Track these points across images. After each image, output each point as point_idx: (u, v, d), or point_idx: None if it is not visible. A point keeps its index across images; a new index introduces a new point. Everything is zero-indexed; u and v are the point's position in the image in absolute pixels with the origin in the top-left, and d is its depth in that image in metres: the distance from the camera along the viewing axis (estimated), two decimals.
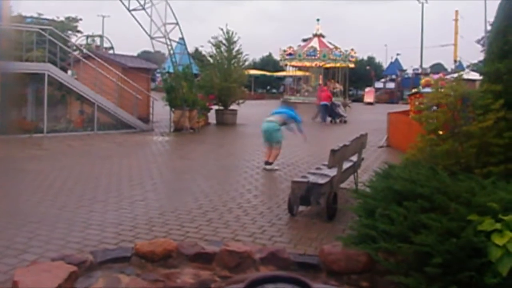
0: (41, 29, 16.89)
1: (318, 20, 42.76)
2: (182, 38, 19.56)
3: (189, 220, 6.54)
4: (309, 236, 6.05)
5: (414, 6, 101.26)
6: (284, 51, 40.59)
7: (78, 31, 24.72)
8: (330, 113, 22.97)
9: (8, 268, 4.75)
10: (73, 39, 23.29)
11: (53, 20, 22.57)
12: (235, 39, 21.76)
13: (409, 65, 54.76)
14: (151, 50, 19.33)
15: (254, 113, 23.93)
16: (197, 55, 25.35)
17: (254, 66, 50.19)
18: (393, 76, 51.33)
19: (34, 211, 6.72)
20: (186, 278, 4.58)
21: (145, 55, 33.95)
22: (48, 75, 15.61)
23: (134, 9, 17.58)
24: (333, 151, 6.82)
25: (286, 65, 43.26)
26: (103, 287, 4.29)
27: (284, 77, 49.35)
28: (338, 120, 23.01)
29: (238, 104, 21.62)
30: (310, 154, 12.57)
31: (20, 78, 16.25)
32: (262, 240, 5.84)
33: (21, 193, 7.88)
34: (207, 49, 24.81)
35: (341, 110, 23.51)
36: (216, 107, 21.18)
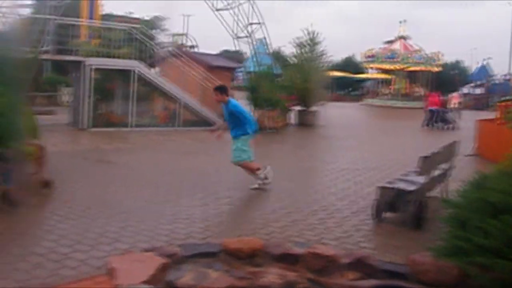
0: (131, 27, 17.61)
1: (402, 22, 41.63)
2: (264, 38, 19.67)
3: (273, 219, 6.53)
4: (395, 244, 5.85)
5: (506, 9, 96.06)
6: (365, 53, 39.87)
7: (165, 30, 25.53)
8: (439, 119, 22.17)
9: (103, 255, 4.94)
10: (160, 37, 24.07)
11: (141, 19, 23.44)
12: (318, 39, 21.61)
13: (498, 70, 52.07)
14: (231, 49, 19.58)
15: (335, 114, 23.72)
16: (278, 56, 25.43)
17: (335, 67, 49.70)
18: (480, 82, 48.97)
19: (123, 202, 6.98)
20: (272, 278, 4.55)
21: (225, 54, 34.55)
22: (136, 72, 16.20)
23: (220, 9, 17.93)
24: (423, 158, 6.57)
25: (367, 67, 42.51)
26: (191, 280, 4.35)
27: (365, 79, 48.48)
28: (446, 127, 21.96)
29: (319, 105, 21.46)
30: (392, 159, 12.23)
31: (110, 74, 17.11)
32: (347, 245, 5.72)
33: (109, 184, 8.21)
34: (288, 50, 24.86)
35: (450, 116, 22.61)
36: (297, 108, 21.12)
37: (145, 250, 4.75)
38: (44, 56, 16.05)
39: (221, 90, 8.18)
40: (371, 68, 42.97)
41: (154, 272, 4.19)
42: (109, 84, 17.49)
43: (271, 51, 19.95)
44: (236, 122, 8.15)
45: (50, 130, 13.69)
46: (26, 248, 5.06)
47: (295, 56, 22.06)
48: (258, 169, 8.33)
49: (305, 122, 20.67)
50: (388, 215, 6.88)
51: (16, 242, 5.25)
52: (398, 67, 38.62)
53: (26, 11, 18.73)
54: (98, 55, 16.59)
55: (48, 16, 15.52)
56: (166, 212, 6.65)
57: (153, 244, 5.25)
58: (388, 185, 6.92)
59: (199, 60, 19.80)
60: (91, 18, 21.04)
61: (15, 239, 5.36)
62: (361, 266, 4.58)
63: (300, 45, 21.60)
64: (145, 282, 3.98)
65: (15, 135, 6.92)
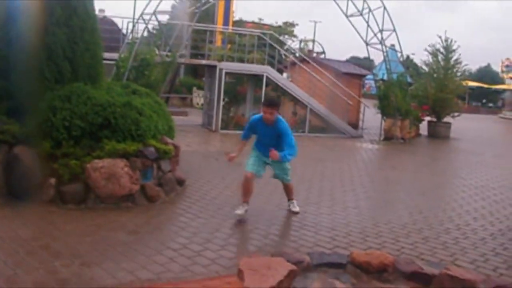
0: (262, 33, 18.01)
1: None
2: (394, 45, 19.05)
3: (403, 235, 6.23)
4: None
5: None
6: (503, 61, 37.06)
7: (294, 36, 25.77)
8: None
9: (232, 255, 5.03)
10: (289, 43, 24.34)
11: (271, 26, 23.88)
12: (454, 47, 20.47)
13: None
14: (360, 56, 19.22)
15: (469, 127, 22.32)
16: (408, 63, 24.49)
17: (470, 77, 46.89)
18: None
19: (253, 205, 7.05)
20: None
21: (353, 61, 34.05)
22: (266, 77, 16.50)
23: (351, 15, 17.68)
24: None
25: (505, 77, 39.47)
26: None
27: (503, 90, 45.11)
28: None
29: (453, 117, 20.30)
30: None
31: (241, 78, 17.63)
32: (484, 270, 5.28)
33: (239, 187, 8.36)
34: (420, 57, 23.85)
35: None
36: (428, 118, 20.17)
37: (274, 255, 4.76)
38: (180, 60, 16.94)
39: (275, 106, 6.50)
40: (511, 78, 39.78)
41: (282, 278, 4.17)
42: (240, 88, 18.03)
43: (402, 58, 19.26)
44: (276, 145, 6.36)
45: (184, 130, 14.39)
46: (162, 243, 5.30)
47: (427, 64, 21.11)
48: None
49: (437, 134, 19.64)
50: None
51: (153, 236, 5.54)
52: None
53: (165, 18, 19.94)
54: (230, 59, 17.17)
55: (185, 22, 16.37)
56: (294, 218, 6.65)
57: (280, 249, 5.24)
58: None
59: (328, 66, 19.68)
60: (225, 24, 21.93)
61: (151, 233, 5.66)
62: None
63: (433, 53, 20.63)
64: None
65: (154, 134, 7.35)
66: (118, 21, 19.12)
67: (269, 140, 6.47)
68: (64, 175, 6.31)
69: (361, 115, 19.36)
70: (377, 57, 18.61)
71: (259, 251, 5.20)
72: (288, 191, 7.12)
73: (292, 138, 6.59)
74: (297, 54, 20.92)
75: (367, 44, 17.75)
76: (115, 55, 14.05)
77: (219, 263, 4.82)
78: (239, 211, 6.45)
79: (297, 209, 6.98)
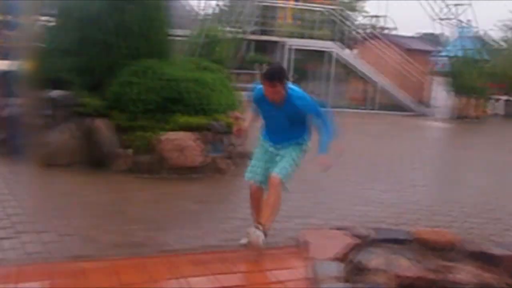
0: (331, 9, 17.78)
1: None
2: (470, 20, 18.29)
3: (473, 215, 6.11)
4: None
5: None
6: None
7: (365, 12, 25.25)
8: None
9: (296, 227, 5.15)
10: (359, 19, 23.88)
11: (340, 1, 23.48)
12: None
13: None
14: (432, 31, 18.59)
15: None
16: (484, 39, 23.30)
17: None
18: None
19: (319, 180, 7.16)
20: (466, 275, 4.29)
21: (426, 37, 32.84)
22: (335, 54, 16.34)
23: None
24: None
25: None
26: (381, 265, 4.30)
27: None
28: None
29: None
30: None
31: (308, 55, 17.56)
32: None
33: (304, 162, 8.46)
34: (496, 33, 22.73)
35: None
36: (505, 97, 19.30)
37: (338, 228, 4.84)
38: (249, 37, 17.06)
39: (277, 78, 4.07)
40: None
41: (345, 250, 4.26)
42: (307, 65, 17.97)
43: (477, 34, 18.48)
44: (293, 131, 4.43)
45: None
46: (229, 212, 5.53)
47: (505, 41, 20.11)
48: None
49: None
50: None
51: (221, 206, 5.79)
52: None
53: None
54: (298, 36, 17.11)
55: None
56: (360, 194, 6.68)
57: (345, 223, 5.31)
58: None
59: (397, 42, 19.19)
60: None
61: (220, 203, 5.92)
62: None
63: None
64: (335, 259, 4.07)
65: (224, 108, 7.56)
66: None
67: (280, 124, 4.34)
68: (140, 146, 6.67)
69: (432, 93, 18.81)
70: (451, 33, 18.01)
71: (323, 224, 5.28)
72: (268, 202, 4.30)
73: (323, 113, 4.32)
74: (367, 31, 20.52)
75: (440, 19, 17.17)
76: (187, 32, 14.38)
77: (283, 235, 4.93)
78: (243, 241, 4.24)
79: (252, 240, 4.08)
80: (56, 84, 7.11)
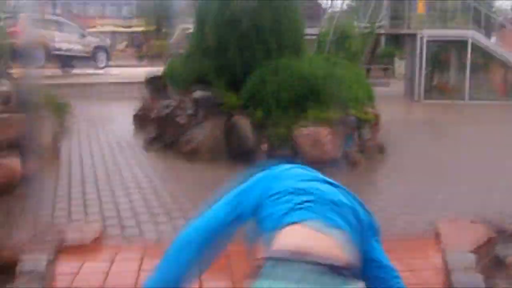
0: None
1: None
2: None
3: None
4: None
5: None
6: None
7: None
8: None
9: (430, 219, 5.13)
10: (498, 4, 22.36)
11: None
12: None
13: None
14: None
15: None
16: None
17: None
18: None
19: (453, 172, 6.99)
20: None
21: None
22: (472, 42, 15.55)
23: None
24: None
25: None
26: None
27: None
28: None
29: None
30: None
31: (443, 44, 16.88)
32: None
33: (440, 155, 8.30)
34: None
35: None
36: None
37: (474, 221, 4.75)
38: (380, 30, 16.83)
39: None
40: None
41: (481, 243, 4.20)
42: (442, 55, 17.30)
43: None
44: None
45: (385, 100, 14.36)
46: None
47: None
48: None
49: None
50: None
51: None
52: None
53: None
54: (431, 26, 16.54)
55: None
56: (499, 186, 6.40)
57: (482, 216, 5.17)
58: None
59: None
60: None
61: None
62: None
63: None
64: (471, 252, 4.03)
65: (355, 103, 7.69)
66: None
67: None
68: (274, 141, 7.05)
69: None
70: None
71: (458, 216, 5.20)
72: None
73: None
74: (509, 17, 19.18)
75: None
76: (315, 30, 14.63)
77: (416, 226, 4.96)
78: None
79: None
80: (199, 85, 7.76)
